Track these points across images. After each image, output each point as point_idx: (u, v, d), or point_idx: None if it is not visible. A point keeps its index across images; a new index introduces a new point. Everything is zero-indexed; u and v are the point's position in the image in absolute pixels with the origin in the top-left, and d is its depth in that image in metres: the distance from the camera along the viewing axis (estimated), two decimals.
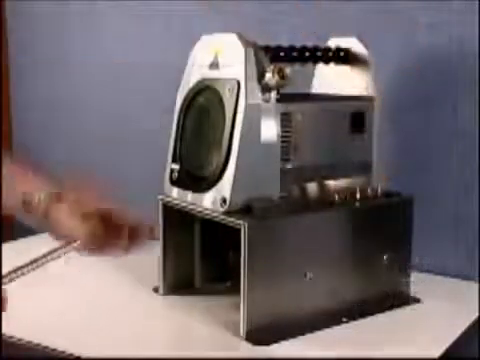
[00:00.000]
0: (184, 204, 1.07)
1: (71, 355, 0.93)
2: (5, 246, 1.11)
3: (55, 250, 0.83)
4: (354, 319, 1.06)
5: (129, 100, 1.65)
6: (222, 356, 0.94)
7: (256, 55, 1.01)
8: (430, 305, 1.13)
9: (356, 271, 1.09)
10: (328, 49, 1.17)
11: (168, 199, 1.11)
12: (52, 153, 1.77)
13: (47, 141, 1.80)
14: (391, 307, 1.11)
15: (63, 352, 0.94)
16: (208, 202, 1.02)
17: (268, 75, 0.99)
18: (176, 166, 1.09)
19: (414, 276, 1.16)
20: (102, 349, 0.94)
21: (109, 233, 0.86)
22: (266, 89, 1.01)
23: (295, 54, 1.11)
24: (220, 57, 1.04)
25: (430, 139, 1.29)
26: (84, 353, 0.93)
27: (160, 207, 1.12)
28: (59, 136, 1.77)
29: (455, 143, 1.26)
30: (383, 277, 1.12)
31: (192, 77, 1.09)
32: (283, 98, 1.03)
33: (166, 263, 1.15)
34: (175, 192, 1.09)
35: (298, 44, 1.12)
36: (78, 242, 0.84)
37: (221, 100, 1.02)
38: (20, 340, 0.97)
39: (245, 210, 1.00)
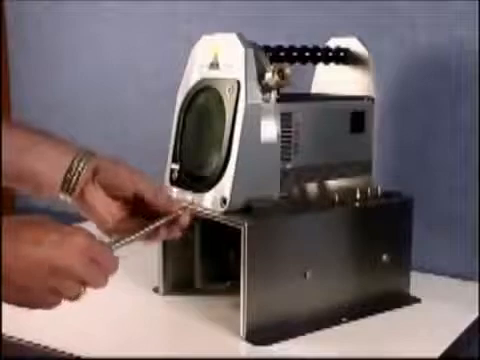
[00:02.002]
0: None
1: (71, 355, 0.93)
2: None
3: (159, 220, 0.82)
4: (354, 319, 1.06)
5: (129, 100, 1.65)
6: (222, 356, 0.94)
7: (256, 55, 1.01)
8: (430, 305, 1.13)
9: (356, 271, 1.09)
10: (328, 49, 1.17)
11: None
12: None
13: None
14: (391, 307, 1.11)
15: (63, 352, 0.94)
16: (208, 202, 1.02)
17: (268, 75, 0.99)
18: (176, 166, 1.09)
19: (414, 276, 1.16)
20: (102, 349, 0.94)
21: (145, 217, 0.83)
22: (266, 89, 1.01)
23: (295, 54, 1.11)
24: (220, 57, 1.04)
25: (430, 139, 1.29)
26: (84, 353, 0.93)
27: None
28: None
29: (455, 143, 1.26)
30: (383, 277, 1.12)
31: (192, 77, 1.09)
32: (283, 98, 1.03)
33: (166, 263, 1.15)
34: (175, 192, 1.09)
35: (298, 44, 1.12)
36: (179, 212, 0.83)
37: (221, 100, 1.02)
38: (20, 340, 0.97)
39: (245, 210, 1.00)
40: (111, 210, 0.83)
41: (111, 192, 0.83)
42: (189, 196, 1.06)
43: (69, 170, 0.81)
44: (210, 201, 1.02)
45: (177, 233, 0.85)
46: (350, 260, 1.08)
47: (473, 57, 1.22)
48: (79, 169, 0.81)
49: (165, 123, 1.12)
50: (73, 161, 0.82)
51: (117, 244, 0.78)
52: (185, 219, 0.84)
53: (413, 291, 1.15)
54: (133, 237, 0.80)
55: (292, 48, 1.11)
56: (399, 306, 1.12)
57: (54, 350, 0.95)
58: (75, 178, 0.81)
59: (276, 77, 0.99)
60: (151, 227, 0.82)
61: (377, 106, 1.15)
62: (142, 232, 0.81)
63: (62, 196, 0.83)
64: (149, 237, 0.83)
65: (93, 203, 0.83)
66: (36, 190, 0.82)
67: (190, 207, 0.87)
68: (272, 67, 0.99)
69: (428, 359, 0.95)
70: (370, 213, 1.12)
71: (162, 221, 0.82)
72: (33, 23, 1.79)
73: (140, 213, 0.84)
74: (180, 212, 0.83)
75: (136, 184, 0.83)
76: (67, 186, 0.81)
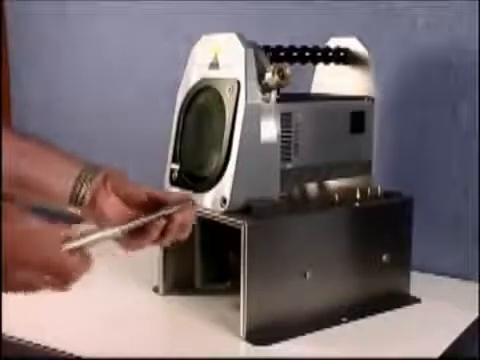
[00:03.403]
0: None
1: (71, 355, 0.93)
2: None
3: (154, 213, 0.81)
4: (354, 319, 1.06)
5: (129, 100, 1.65)
6: (222, 356, 0.94)
7: (256, 55, 1.01)
8: (430, 305, 1.13)
9: (356, 271, 1.09)
10: (328, 49, 1.17)
11: None
12: None
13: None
14: (391, 307, 1.11)
15: (63, 352, 0.94)
16: (208, 202, 1.02)
17: (268, 75, 0.99)
18: (176, 166, 1.09)
19: (414, 276, 1.16)
20: (102, 349, 0.94)
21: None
22: (266, 89, 1.01)
23: (295, 54, 1.11)
24: (220, 57, 1.04)
25: (430, 139, 1.29)
26: (84, 353, 0.93)
27: None
28: (58, 137, 1.76)
29: (455, 143, 1.26)
30: (383, 277, 1.12)
31: (192, 77, 1.09)
32: (283, 98, 1.03)
33: (166, 263, 1.15)
34: (175, 192, 1.09)
35: (298, 44, 1.12)
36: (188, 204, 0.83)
37: (221, 100, 1.02)
38: (20, 340, 0.97)
39: (245, 210, 1.00)
40: (123, 215, 0.82)
41: (124, 198, 0.83)
42: None
43: (78, 181, 0.81)
44: (210, 201, 1.02)
45: (190, 224, 0.84)
46: (350, 260, 1.08)
47: (473, 57, 1.22)
48: (88, 180, 0.81)
49: (165, 123, 1.12)
50: (81, 172, 0.81)
51: (123, 227, 0.78)
52: (195, 208, 0.84)
53: (413, 291, 1.15)
54: (139, 221, 0.79)
55: (292, 48, 1.11)
56: (399, 306, 1.12)
57: (54, 350, 0.95)
58: (84, 189, 0.81)
59: (276, 77, 0.99)
60: (162, 212, 0.81)
61: (377, 106, 1.15)
62: (153, 216, 0.80)
63: (70, 208, 0.82)
64: (164, 231, 0.82)
65: (104, 210, 0.82)
66: (44, 200, 0.82)
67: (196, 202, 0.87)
68: (272, 67, 0.99)
69: (428, 359, 0.95)
70: (370, 213, 1.12)
71: (174, 208, 0.82)
72: (33, 23, 1.79)
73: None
74: (189, 202, 0.83)
75: (145, 188, 0.84)
76: (75, 198, 0.81)
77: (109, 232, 0.77)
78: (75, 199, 0.81)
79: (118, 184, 0.83)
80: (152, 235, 0.81)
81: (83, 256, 0.72)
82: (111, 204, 0.82)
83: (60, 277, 0.70)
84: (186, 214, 0.83)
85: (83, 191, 0.81)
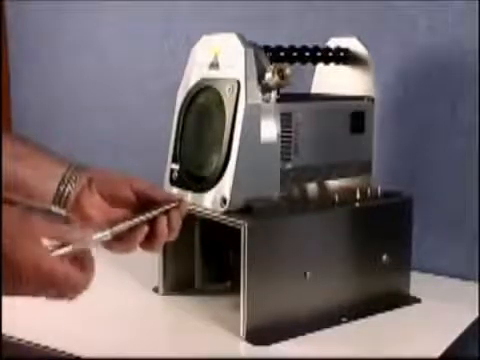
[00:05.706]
0: None
1: (71, 355, 0.93)
2: None
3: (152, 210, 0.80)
4: (354, 319, 1.06)
5: (129, 100, 1.65)
6: (222, 356, 0.94)
7: (256, 55, 1.01)
8: (430, 305, 1.13)
9: (356, 271, 1.09)
10: (328, 49, 1.17)
11: None
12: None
13: (46, 142, 1.80)
14: (391, 307, 1.11)
15: (63, 352, 0.94)
16: (208, 202, 1.02)
17: (268, 75, 0.99)
18: (176, 166, 1.09)
19: (414, 276, 1.16)
20: (102, 349, 0.94)
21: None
22: (266, 89, 1.01)
23: (295, 54, 1.11)
24: (220, 57, 1.04)
25: (430, 139, 1.29)
26: (84, 353, 0.93)
27: None
28: (58, 137, 1.77)
29: (455, 143, 1.26)
30: (383, 277, 1.12)
31: (192, 77, 1.09)
32: (283, 98, 1.03)
33: (166, 263, 1.15)
34: (175, 192, 1.09)
35: (298, 44, 1.12)
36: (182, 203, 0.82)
37: (221, 100, 1.02)
38: (20, 340, 0.97)
39: (245, 210, 1.00)
40: (108, 216, 0.81)
41: (109, 198, 0.82)
42: (189, 196, 1.06)
43: (62, 182, 0.81)
44: (210, 201, 1.02)
45: (177, 225, 0.82)
46: (350, 260, 1.08)
47: (473, 57, 1.22)
48: (72, 180, 0.81)
49: (165, 123, 1.12)
50: (66, 173, 0.81)
51: (115, 228, 0.77)
52: (184, 207, 0.82)
53: (413, 291, 1.15)
54: (131, 222, 0.79)
55: (292, 48, 1.11)
56: (399, 306, 1.12)
57: (54, 350, 0.95)
58: (68, 190, 0.81)
59: (276, 77, 0.99)
60: (151, 213, 0.80)
61: (377, 106, 1.15)
62: (142, 217, 0.79)
63: (54, 208, 0.82)
64: (152, 235, 0.80)
65: (87, 211, 0.81)
66: (29, 201, 0.82)
67: (186, 201, 0.85)
68: (272, 67, 0.99)
69: (428, 359, 0.95)
70: (370, 213, 1.12)
71: (161, 209, 0.80)
72: (33, 23, 1.79)
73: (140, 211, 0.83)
74: (177, 203, 0.82)
75: (132, 183, 0.82)
76: (59, 199, 0.81)
77: (98, 235, 0.76)
78: (59, 200, 0.81)
79: (104, 185, 0.82)
80: (137, 239, 0.80)
81: (85, 264, 0.71)
82: (94, 205, 0.82)
83: (57, 288, 0.68)
84: (173, 216, 0.81)
85: (67, 192, 0.81)
